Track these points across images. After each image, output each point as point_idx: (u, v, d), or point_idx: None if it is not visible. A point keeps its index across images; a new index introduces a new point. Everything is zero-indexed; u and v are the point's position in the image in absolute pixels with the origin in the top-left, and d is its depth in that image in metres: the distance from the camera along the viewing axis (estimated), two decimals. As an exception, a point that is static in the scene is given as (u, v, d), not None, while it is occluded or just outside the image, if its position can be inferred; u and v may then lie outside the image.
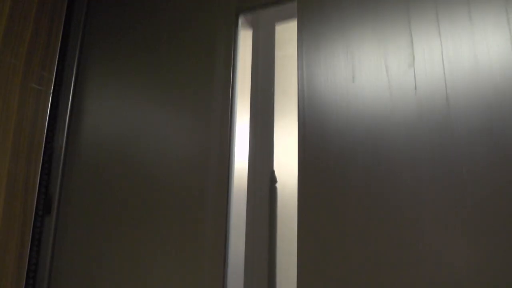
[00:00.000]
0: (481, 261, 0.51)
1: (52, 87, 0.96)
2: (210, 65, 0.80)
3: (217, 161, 0.74)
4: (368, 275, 0.56)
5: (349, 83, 0.64)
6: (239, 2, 0.80)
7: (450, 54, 0.59)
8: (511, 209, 0.51)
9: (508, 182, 0.51)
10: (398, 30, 0.63)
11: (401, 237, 0.56)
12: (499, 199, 0.52)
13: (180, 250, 0.74)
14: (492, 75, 0.55)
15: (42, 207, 0.92)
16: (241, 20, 0.80)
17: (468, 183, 0.53)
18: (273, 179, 0.76)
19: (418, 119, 0.58)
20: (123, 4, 0.96)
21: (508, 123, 0.53)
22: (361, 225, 0.58)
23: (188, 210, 0.75)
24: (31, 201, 0.90)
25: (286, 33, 0.88)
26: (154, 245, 0.77)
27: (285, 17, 0.85)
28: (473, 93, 0.56)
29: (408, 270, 0.54)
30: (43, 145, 0.93)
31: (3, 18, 0.87)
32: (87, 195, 0.88)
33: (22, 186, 0.89)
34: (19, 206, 0.88)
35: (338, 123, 0.63)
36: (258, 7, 0.78)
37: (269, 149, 0.79)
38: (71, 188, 0.91)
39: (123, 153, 0.86)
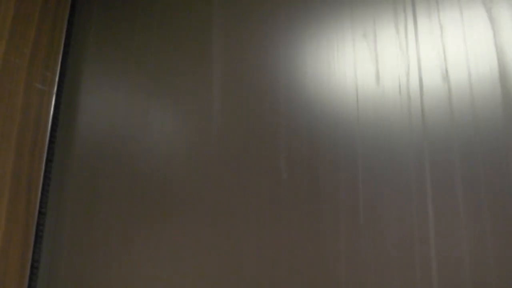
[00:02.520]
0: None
1: (55, 87, 0.97)
2: (207, 61, 0.82)
3: (216, 156, 0.76)
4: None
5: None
6: None
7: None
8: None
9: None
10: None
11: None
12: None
13: (177, 245, 0.75)
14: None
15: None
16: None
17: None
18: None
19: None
20: (124, 4, 0.98)
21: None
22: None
23: (185, 206, 0.76)
24: (34, 199, 0.92)
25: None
26: (154, 241, 0.78)
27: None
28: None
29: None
30: (47, 144, 0.95)
31: (8, 18, 0.88)
32: (88, 193, 0.90)
33: (25, 184, 0.90)
34: (23, 204, 0.90)
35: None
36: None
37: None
38: (71, 185, 0.93)
39: (123, 151, 0.87)
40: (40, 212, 0.93)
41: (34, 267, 0.91)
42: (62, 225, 0.92)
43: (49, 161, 0.95)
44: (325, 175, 0.65)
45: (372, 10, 0.68)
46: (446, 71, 0.60)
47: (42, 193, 0.94)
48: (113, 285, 0.81)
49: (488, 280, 0.51)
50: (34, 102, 0.93)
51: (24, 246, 0.89)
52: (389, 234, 0.58)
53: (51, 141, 0.96)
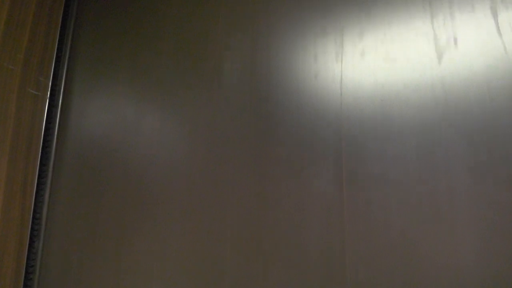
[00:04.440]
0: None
1: (48, 92, 0.98)
2: (197, 67, 0.82)
3: (203, 158, 0.76)
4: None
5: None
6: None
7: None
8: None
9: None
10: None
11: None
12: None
13: (166, 247, 0.75)
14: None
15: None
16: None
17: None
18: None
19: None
20: (113, 10, 0.98)
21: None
22: (349, 227, 0.60)
23: (175, 207, 0.77)
24: (29, 203, 0.92)
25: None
26: (147, 240, 0.78)
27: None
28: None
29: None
30: (41, 148, 0.95)
31: (1, 24, 0.89)
32: (82, 197, 0.90)
33: (20, 188, 0.90)
34: (17, 208, 0.90)
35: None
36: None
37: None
38: (65, 190, 0.93)
39: (116, 155, 0.88)
40: (34, 217, 0.93)
41: (28, 272, 0.91)
42: (56, 229, 0.92)
43: (43, 165, 0.95)
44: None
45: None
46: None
47: (36, 198, 0.94)
48: (108, 286, 0.81)
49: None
50: (28, 107, 0.93)
51: (18, 251, 0.89)
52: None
53: (44, 146, 0.96)
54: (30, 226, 0.92)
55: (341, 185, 0.63)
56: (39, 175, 0.94)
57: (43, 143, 0.96)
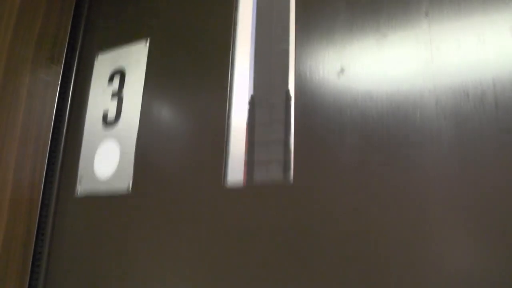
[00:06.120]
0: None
1: (60, 78, 0.98)
2: (206, 58, 0.81)
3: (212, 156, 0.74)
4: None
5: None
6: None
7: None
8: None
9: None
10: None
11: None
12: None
13: (176, 245, 0.73)
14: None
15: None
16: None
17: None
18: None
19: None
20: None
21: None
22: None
23: (187, 205, 0.74)
24: (37, 194, 0.90)
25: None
26: (153, 240, 0.76)
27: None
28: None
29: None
30: (50, 136, 0.94)
31: (14, 10, 0.90)
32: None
33: (28, 177, 0.89)
34: (26, 198, 0.88)
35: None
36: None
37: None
38: (73, 176, 0.91)
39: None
40: (43, 203, 0.91)
41: (35, 266, 0.89)
42: (64, 222, 0.90)
43: (52, 151, 0.94)
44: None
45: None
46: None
47: (45, 184, 0.92)
48: (113, 282, 0.78)
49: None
50: (39, 93, 0.93)
51: (25, 246, 0.87)
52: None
53: (54, 132, 0.95)
54: (38, 213, 0.90)
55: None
56: (48, 161, 0.93)
57: (53, 129, 0.95)
